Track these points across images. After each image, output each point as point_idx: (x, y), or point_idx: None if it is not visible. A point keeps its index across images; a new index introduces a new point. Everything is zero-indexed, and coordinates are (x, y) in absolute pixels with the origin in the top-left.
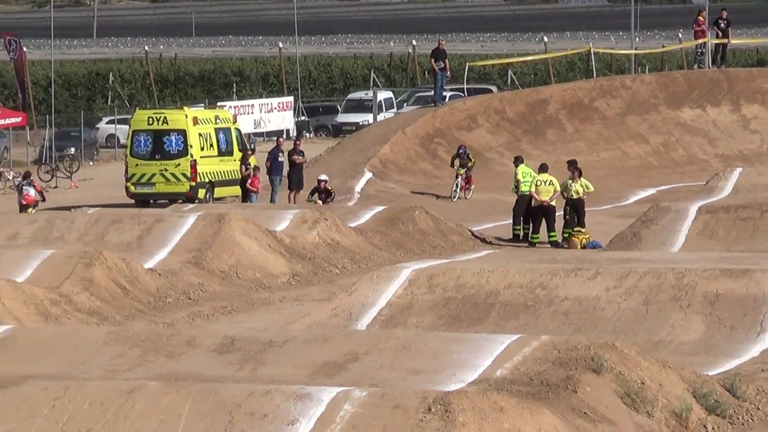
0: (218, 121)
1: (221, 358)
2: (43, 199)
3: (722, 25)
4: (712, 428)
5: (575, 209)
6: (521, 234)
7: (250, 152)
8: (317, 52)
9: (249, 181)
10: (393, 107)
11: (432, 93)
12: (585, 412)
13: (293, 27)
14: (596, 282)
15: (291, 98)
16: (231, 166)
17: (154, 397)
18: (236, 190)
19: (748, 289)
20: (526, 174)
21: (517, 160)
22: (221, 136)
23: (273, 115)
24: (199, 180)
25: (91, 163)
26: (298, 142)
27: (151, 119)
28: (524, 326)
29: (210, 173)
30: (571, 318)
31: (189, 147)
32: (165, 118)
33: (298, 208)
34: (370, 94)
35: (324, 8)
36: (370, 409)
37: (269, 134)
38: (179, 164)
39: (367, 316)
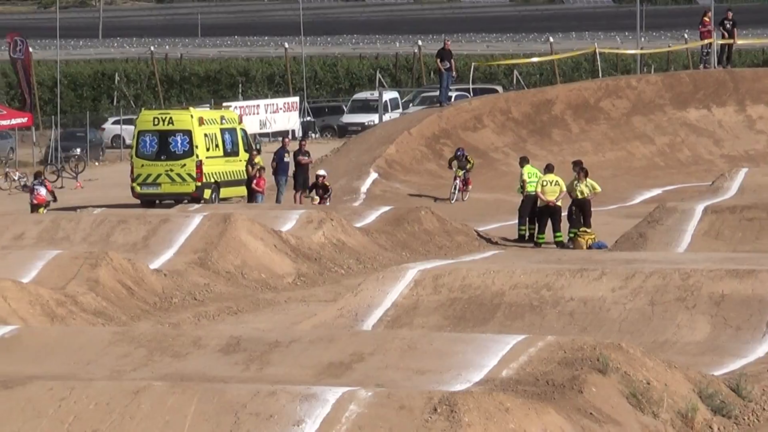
0: (224, 121)
1: (227, 359)
2: (55, 199)
3: (728, 25)
4: (718, 429)
5: (581, 209)
6: (527, 234)
7: (255, 152)
8: (323, 53)
9: (254, 181)
10: (398, 107)
11: (437, 93)
12: (591, 413)
13: (299, 27)
14: (602, 282)
15: (296, 99)
16: (237, 166)
17: (159, 398)
18: (242, 190)
19: (754, 289)
20: (531, 174)
21: (523, 161)
22: (227, 136)
23: (278, 115)
24: (204, 180)
25: (96, 164)
26: (303, 143)
27: (156, 120)
28: (530, 327)
29: (215, 173)
30: (577, 318)
31: (195, 147)
32: (170, 118)
33: (304, 209)
34: (376, 94)
35: (330, 8)
36: (376, 409)
37: (275, 135)
38: (185, 164)
39: (373, 317)
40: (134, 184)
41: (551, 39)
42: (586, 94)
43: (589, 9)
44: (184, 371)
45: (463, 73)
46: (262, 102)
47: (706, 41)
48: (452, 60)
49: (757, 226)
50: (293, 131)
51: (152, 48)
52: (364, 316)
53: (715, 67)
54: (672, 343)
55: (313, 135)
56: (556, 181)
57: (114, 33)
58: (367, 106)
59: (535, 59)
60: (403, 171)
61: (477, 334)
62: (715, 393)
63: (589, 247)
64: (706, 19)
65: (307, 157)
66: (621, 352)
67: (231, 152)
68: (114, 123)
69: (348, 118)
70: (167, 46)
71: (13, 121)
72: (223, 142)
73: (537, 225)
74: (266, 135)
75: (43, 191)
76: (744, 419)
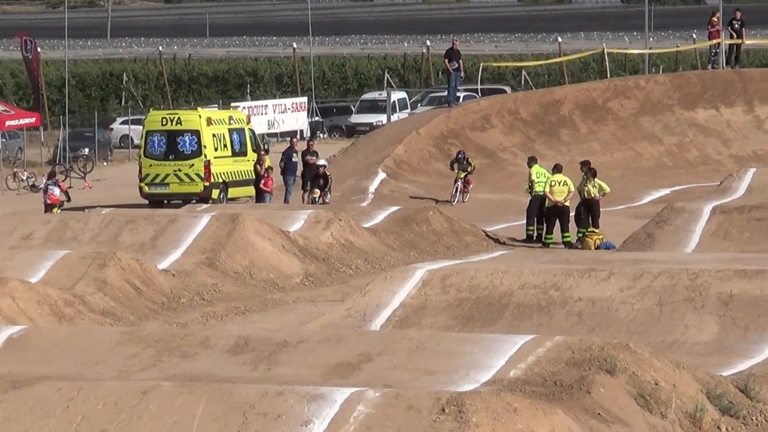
0: (232, 121)
1: (235, 359)
2: (68, 199)
3: (736, 25)
4: (726, 429)
5: (589, 210)
6: (535, 234)
7: (263, 153)
8: (331, 53)
9: (263, 181)
10: (407, 108)
11: (446, 93)
12: (598, 413)
13: (307, 27)
14: (610, 283)
15: (305, 99)
16: (245, 166)
17: (167, 398)
18: (250, 190)
19: (762, 289)
20: (540, 174)
21: (531, 161)
22: (235, 136)
23: (287, 115)
24: (212, 180)
25: (104, 164)
26: (311, 143)
27: (165, 120)
28: (538, 327)
29: (224, 174)
30: (585, 318)
31: (203, 147)
32: (179, 118)
33: (312, 209)
34: (384, 94)
35: (338, 8)
36: (384, 409)
37: (283, 135)
38: (193, 165)
39: (381, 317)
40: (142, 184)
41: (560, 39)
42: (595, 94)
43: (597, 9)
44: (192, 371)
45: (472, 74)
46: (270, 102)
47: (714, 41)
48: (461, 60)
49: (765, 227)
50: (301, 131)
51: (161, 48)
52: (372, 317)
53: (723, 68)
54: (680, 344)
55: (321, 135)
56: (565, 181)
57: (122, 33)
58: (375, 107)
59: (543, 62)
60: (412, 171)
61: (485, 334)
62: (723, 393)
63: (597, 248)
64: (715, 19)
65: (315, 157)
66: (629, 352)
67: (239, 152)
68: (122, 123)
69: (356, 119)
70: (176, 46)
71: (22, 121)
72: (232, 142)
73: (545, 225)
74: (274, 135)
75: (57, 191)
76: (752, 420)
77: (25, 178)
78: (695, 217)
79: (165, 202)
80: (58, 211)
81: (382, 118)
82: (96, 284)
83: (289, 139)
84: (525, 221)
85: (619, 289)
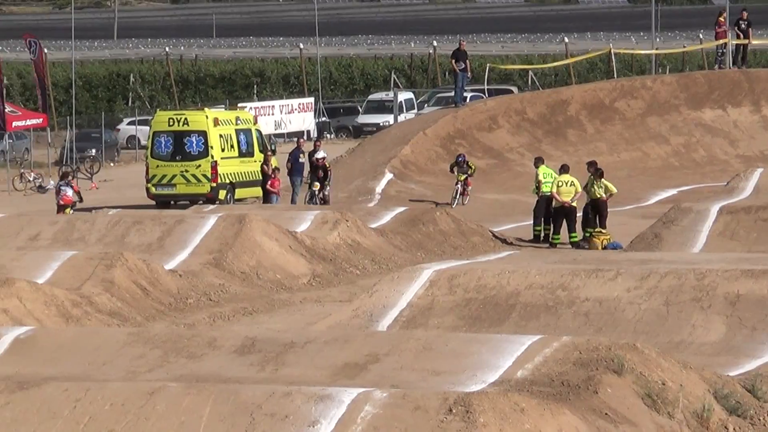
0: (239, 122)
1: (242, 359)
2: (81, 200)
3: (743, 25)
4: (733, 429)
5: (596, 210)
6: (542, 235)
7: (270, 153)
8: (338, 53)
9: (269, 182)
10: (414, 108)
11: (453, 94)
12: (606, 413)
13: (314, 28)
14: (617, 283)
15: (312, 99)
16: (252, 167)
17: (175, 399)
18: (257, 191)
19: None
20: (547, 175)
21: (538, 161)
22: (242, 137)
23: (294, 116)
24: (219, 181)
25: (111, 165)
26: (318, 143)
27: (171, 120)
28: (545, 327)
29: (231, 174)
30: (592, 319)
31: (210, 148)
32: (186, 119)
33: (319, 209)
34: (391, 95)
35: (345, 9)
36: (391, 410)
37: (290, 135)
38: (200, 165)
39: (388, 317)
40: (149, 185)
41: (566, 39)
42: (601, 94)
43: (604, 9)
44: (199, 372)
45: (478, 74)
46: (277, 103)
47: (721, 41)
48: (467, 60)
49: None
50: (308, 132)
51: (167, 49)
52: (379, 317)
53: (730, 68)
54: (687, 344)
55: (328, 136)
56: (572, 181)
57: (129, 34)
58: (382, 107)
59: (550, 65)
60: (418, 171)
61: (492, 334)
62: (730, 393)
63: (605, 248)
64: (721, 19)
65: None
66: (636, 352)
67: (246, 153)
68: (129, 124)
69: (363, 119)
70: (182, 47)
71: (29, 122)
72: (238, 142)
73: (552, 225)
74: (281, 136)
75: (69, 192)
76: (759, 419)
77: (32, 178)
78: (702, 218)
79: (172, 202)
80: (71, 211)
81: (389, 118)
82: (103, 285)
83: (295, 139)
84: (532, 221)
85: (626, 289)
